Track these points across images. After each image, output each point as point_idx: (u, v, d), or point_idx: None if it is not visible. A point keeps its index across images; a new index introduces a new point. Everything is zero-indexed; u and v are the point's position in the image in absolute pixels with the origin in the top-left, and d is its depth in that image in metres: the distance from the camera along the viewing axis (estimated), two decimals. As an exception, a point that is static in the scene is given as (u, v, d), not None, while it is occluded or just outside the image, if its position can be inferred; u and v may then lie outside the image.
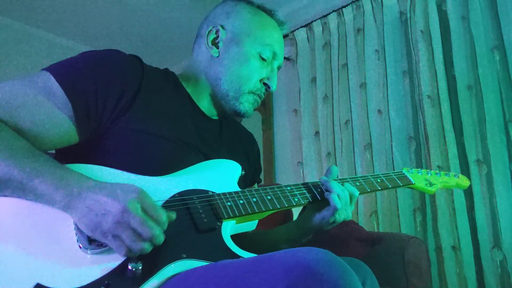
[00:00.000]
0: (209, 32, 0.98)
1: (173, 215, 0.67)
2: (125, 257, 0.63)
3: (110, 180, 0.69)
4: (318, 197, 0.92)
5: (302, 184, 0.93)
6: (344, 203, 0.90)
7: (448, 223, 1.87)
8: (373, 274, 0.80)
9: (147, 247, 0.62)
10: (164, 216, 0.65)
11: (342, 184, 0.93)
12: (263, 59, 0.97)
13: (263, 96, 1.01)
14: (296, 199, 0.89)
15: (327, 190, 0.92)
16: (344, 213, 0.92)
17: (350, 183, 0.96)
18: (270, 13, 1.01)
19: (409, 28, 2.22)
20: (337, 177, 0.97)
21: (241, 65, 0.95)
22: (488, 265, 1.75)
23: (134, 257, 0.63)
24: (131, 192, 0.64)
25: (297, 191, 0.91)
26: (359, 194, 0.97)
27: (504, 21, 1.88)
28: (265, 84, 0.98)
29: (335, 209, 0.89)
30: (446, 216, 1.88)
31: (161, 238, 0.64)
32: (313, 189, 0.93)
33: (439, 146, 1.98)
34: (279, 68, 1.03)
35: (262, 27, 0.98)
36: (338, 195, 0.89)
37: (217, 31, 0.97)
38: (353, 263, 0.78)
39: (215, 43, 0.97)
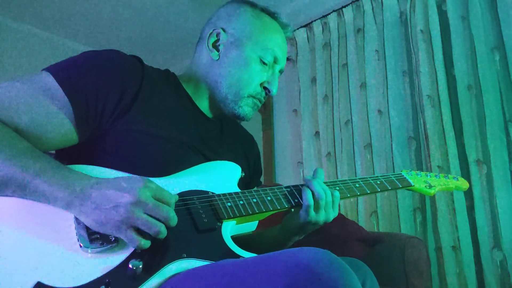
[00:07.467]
0: (210, 34, 0.97)
1: (177, 197, 0.71)
2: (137, 248, 0.64)
3: None
4: (301, 200, 0.89)
5: (301, 185, 0.93)
6: (320, 203, 0.87)
7: (448, 223, 1.87)
8: (373, 274, 0.80)
9: (163, 230, 0.65)
10: (173, 198, 0.68)
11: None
12: (264, 63, 0.95)
13: (263, 100, 1.00)
14: (296, 200, 0.89)
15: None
16: (324, 214, 0.88)
17: (331, 187, 0.93)
18: (273, 15, 1.00)
19: (409, 28, 2.22)
20: (338, 179, 0.96)
21: (241, 68, 0.94)
22: (488, 265, 1.74)
23: (145, 248, 0.64)
24: (137, 181, 0.66)
25: (296, 192, 0.91)
26: (359, 195, 0.96)
27: (504, 21, 1.88)
28: (265, 88, 0.97)
29: (308, 205, 0.86)
30: (446, 216, 1.88)
31: (175, 219, 0.66)
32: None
33: (439, 146, 1.98)
34: (281, 72, 1.01)
35: (265, 30, 0.96)
36: (312, 192, 0.87)
37: (218, 34, 0.96)
38: (353, 263, 0.79)
39: (215, 46, 0.97)
